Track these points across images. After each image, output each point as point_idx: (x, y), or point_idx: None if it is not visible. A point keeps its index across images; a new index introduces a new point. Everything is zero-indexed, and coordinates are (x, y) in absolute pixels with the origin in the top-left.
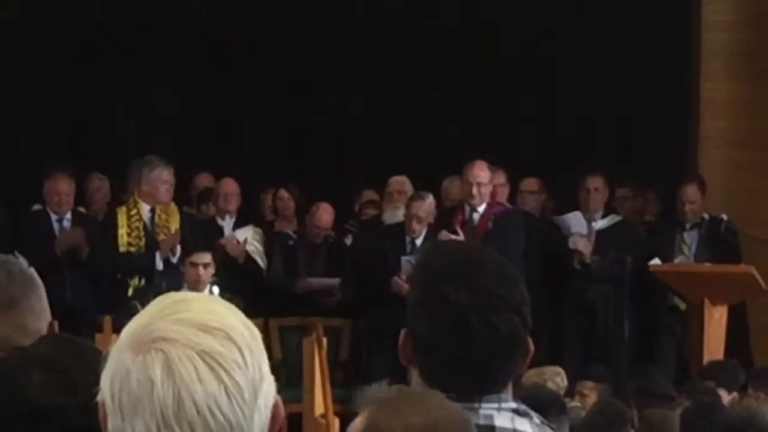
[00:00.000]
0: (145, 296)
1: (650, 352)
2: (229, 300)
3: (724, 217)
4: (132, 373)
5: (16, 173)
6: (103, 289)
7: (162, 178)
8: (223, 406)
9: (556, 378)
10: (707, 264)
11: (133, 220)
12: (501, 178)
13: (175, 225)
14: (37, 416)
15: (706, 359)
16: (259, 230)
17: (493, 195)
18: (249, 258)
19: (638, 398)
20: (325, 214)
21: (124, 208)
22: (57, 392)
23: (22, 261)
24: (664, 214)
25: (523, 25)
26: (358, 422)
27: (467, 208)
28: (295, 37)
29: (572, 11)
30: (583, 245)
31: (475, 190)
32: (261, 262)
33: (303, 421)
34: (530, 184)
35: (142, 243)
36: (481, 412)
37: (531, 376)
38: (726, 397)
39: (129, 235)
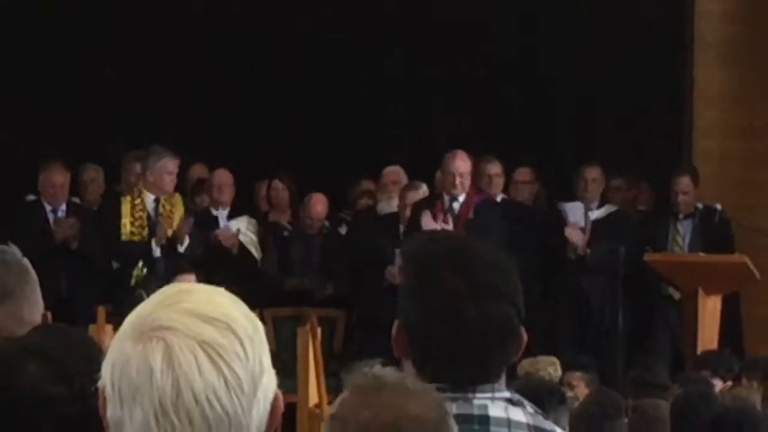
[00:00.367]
0: (150, 285)
1: (645, 342)
2: None
3: (718, 207)
4: (132, 361)
5: (9, 164)
6: (98, 279)
7: (167, 168)
8: (221, 398)
9: (550, 368)
10: (701, 254)
11: (137, 209)
12: (497, 168)
13: (179, 215)
14: (31, 406)
15: (700, 349)
16: (254, 221)
17: (472, 185)
18: (243, 248)
19: (633, 388)
20: (318, 204)
21: (128, 197)
22: (51, 382)
23: (17, 251)
24: (657, 204)
25: (519, 16)
26: (334, 404)
27: (446, 198)
28: (289, 25)
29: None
30: (577, 237)
31: (458, 181)
32: (255, 252)
33: (297, 412)
34: (523, 174)
35: (145, 233)
36: (475, 402)
37: (525, 366)
38: (720, 386)
39: (132, 224)
